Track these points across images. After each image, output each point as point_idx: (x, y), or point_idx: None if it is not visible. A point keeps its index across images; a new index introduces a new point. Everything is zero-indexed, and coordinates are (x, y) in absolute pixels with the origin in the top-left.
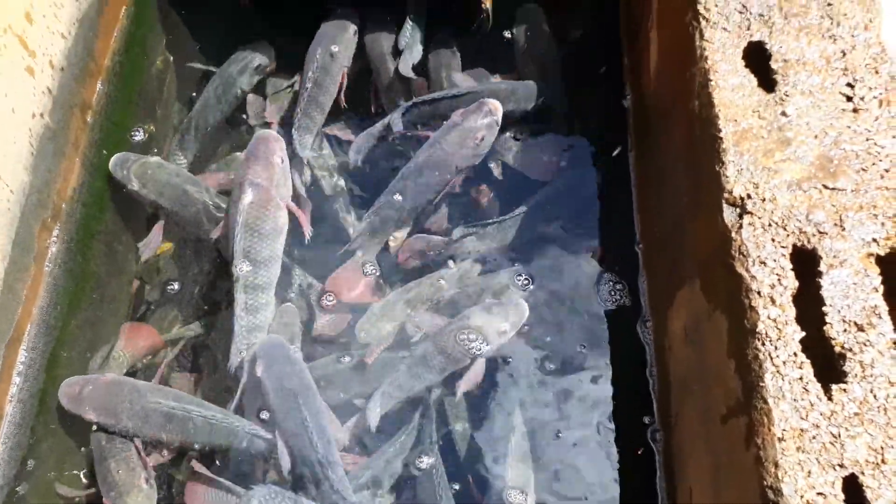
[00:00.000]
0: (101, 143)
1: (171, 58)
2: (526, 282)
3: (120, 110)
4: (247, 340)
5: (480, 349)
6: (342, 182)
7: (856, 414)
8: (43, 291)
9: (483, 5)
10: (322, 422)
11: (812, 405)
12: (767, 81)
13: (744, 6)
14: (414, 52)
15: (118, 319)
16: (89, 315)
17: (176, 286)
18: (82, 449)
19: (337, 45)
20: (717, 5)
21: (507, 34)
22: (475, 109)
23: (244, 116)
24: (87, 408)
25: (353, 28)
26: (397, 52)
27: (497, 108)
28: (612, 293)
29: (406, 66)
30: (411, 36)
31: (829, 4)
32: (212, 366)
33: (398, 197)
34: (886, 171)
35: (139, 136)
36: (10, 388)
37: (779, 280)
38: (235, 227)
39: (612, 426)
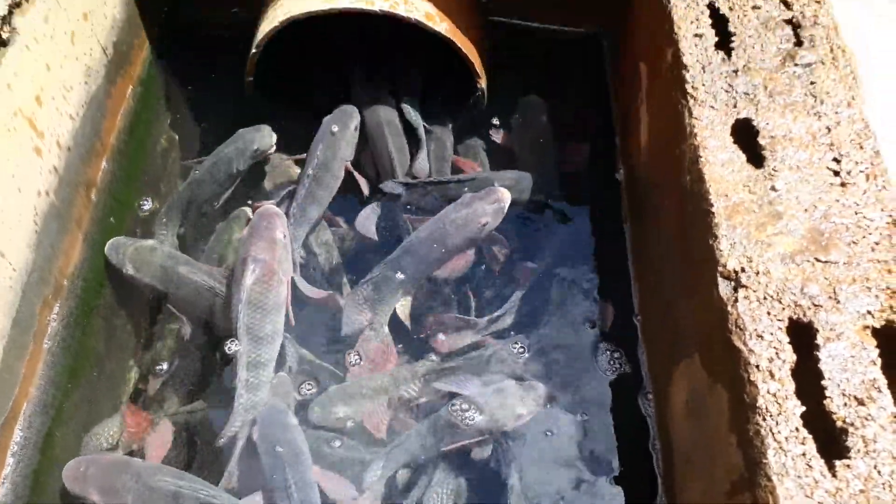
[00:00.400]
0: (105, 220)
1: (176, 136)
2: (521, 350)
3: (124, 188)
4: (243, 418)
5: (473, 419)
6: (338, 259)
7: (861, 491)
8: (41, 369)
9: (478, 84)
10: (308, 492)
11: (817, 482)
12: (756, 157)
13: (730, 85)
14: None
15: (116, 396)
16: (87, 392)
17: (165, 366)
18: None
19: (338, 140)
20: (704, 84)
21: (495, 120)
22: (484, 195)
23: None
24: (90, 489)
25: (354, 122)
26: (393, 129)
27: (506, 196)
28: (611, 362)
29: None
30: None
31: (812, 83)
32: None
33: (399, 275)
34: (877, 243)
35: (148, 205)
36: (3, 469)
37: (777, 353)
38: (239, 303)
39: (616, 500)
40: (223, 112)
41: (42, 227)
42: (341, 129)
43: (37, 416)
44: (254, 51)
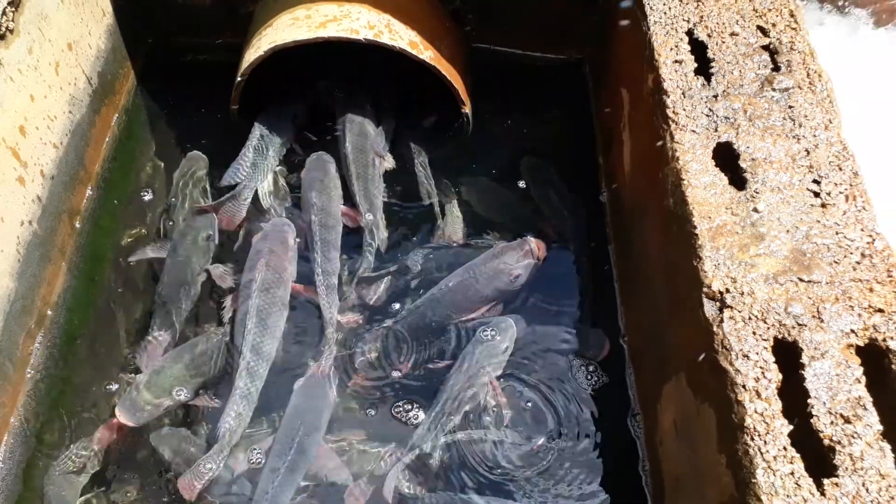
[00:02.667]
0: (88, 249)
1: (161, 164)
2: (493, 333)
3: (107, 215)
4: (238, 409)
5: (418, 417)
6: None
7: None
8: (23, 399)
9: (463, 109)
10: (299, 463)
11: (805, 501)
12: (738, 180)
13: (710, 109)
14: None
15: (97, 426)
16: (69, 422)
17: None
18: None
19: (327, 184)
20: (684, 109)
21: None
22: (516, 247)
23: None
24: None
25: (333, 167)
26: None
27: (540, 248)
28: (589, 378)
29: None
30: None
31: (791, 107)
32: None
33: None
34: (858, 263)
35: (148, 195)
36: None
37: (763, 373)
38: (252, 284)
39: None
40: (209, 139)
41: (25, 255)
42: (326, 175)
43: (18, 446)
44: (239, 79)
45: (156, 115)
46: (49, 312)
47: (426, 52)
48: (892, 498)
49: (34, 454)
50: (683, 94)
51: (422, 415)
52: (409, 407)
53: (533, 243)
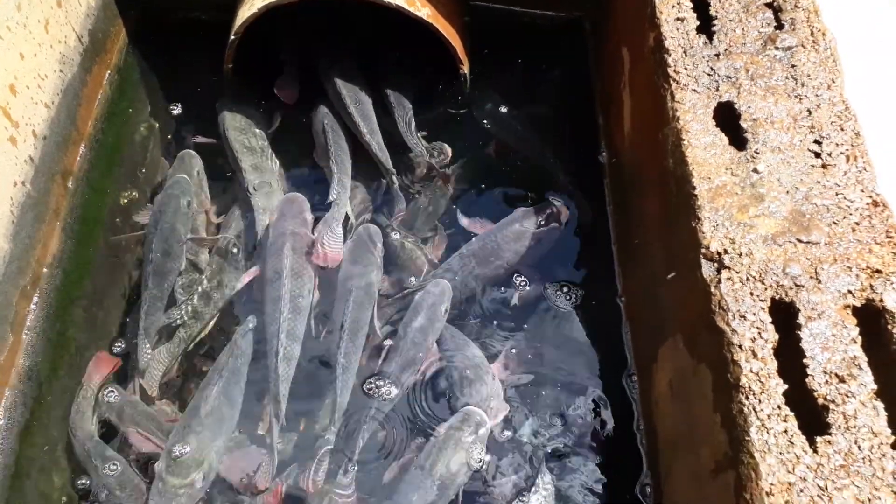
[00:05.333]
0: (82, 209)
1: (156, 124)
2: (524, 282)
3: (101, 176)
4: (281, 391)
5: (390, 392)
6: None
7: (842, 466)
8: (20, 360)
9: (461, 69)
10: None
11: (798, 458)
12: (738, 140)
13: (712, 68)
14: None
15: None
16: (67, 383)
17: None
18: None
19: (333, 121)
20: (686, 68)
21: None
22: (538, 211)
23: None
24: None
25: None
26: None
27: (563, 212)
28: (568, 297)
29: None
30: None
31: (793, 66)
32: None
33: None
34: (857, 224)
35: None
36: None
37: (759, 333)
38: (282, 272)
39: (601, 482)
40: (203, 98)
41: (18, 216)
42: (332, 116)
43: (17, 406)
44: (232, 37)
45: (148, 74)
46: (44, 273)
47: (423, 10)
48: (884, 455)
49: (33, 415)
50: (685, 52)
51: (394, 391)
52: (382, 383)
53: (558, 207)
